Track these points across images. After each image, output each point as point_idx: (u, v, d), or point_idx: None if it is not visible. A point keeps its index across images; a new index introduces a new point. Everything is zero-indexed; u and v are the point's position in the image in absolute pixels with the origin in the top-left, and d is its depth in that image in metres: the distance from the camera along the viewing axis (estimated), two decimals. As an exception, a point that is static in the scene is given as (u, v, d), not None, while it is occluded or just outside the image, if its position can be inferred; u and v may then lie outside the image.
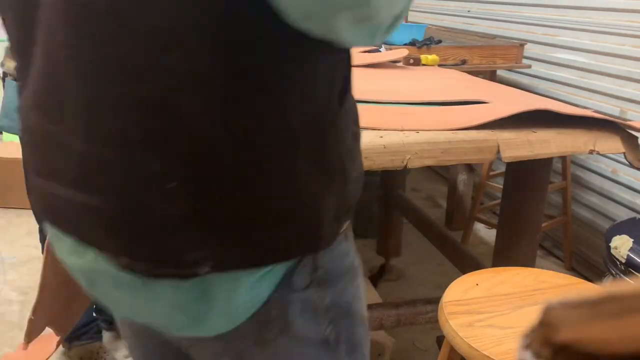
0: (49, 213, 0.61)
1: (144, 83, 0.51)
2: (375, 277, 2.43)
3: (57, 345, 1.56)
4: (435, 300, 1.08)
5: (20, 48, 0.60)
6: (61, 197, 0.57)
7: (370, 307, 1.55)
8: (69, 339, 1.83)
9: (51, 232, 0.63)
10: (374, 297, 1.92)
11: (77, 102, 0.53)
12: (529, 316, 0.95)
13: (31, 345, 1.42)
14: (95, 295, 0.66)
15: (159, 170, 0.52)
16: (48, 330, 1.49)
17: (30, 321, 1.37)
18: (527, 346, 0.31)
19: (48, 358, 1.57)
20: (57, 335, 1.52)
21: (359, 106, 0.66)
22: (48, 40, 0.54)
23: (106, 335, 1.98)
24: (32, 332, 1.40)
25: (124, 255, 0.56)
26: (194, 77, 0.50)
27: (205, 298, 0.57)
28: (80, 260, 0.61)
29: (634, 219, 1.87)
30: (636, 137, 1.39)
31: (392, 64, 1.87)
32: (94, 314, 1.91)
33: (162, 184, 0.52)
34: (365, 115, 1.37)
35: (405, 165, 1.19)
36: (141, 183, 0.53)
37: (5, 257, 2.55)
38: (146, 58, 0.50)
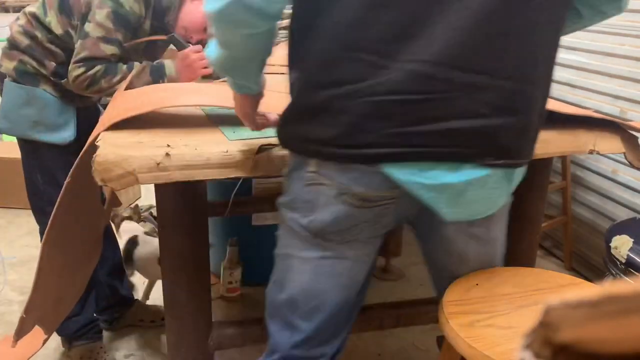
0: (435, 147, 0.84)
1: (555, 41, 0.91)
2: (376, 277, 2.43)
3: (43, 343, 1.55)
4: (436, 300, 1.08)
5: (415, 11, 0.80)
6: (464, 128, 0.83)
7: (370, 307, 1.55)
8: (69, 339, 1.83)
9: (412, 170, 0.86)
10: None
11: (508, 54, 0.83)
12: (529, 316, 0.95)
13: (18, 342, 1.42)
14: (453, 209, 0.91)
15: (540, 98, 0.90)
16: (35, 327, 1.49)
17: (22, 319, 1.37)
18: (527, 346, 0.31)
19: (33, 355, 1.57)
20: (46, 333, 1.52)
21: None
22: (467, 5, 0.79)
23: (106, 335, 1.98)
24: (22, 330, 1.40)
25: (506, 156, 0.88)
26: (557, 33, 0.90)
27: (513, 183, 0.94)
28: (457, 176, 0.86)
29: (634, 219, 1.87)
30: (636, 137, 1.39)
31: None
32: (95, 314, 1.91)
33: (541, 107, 0.91)
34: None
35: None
36: (534, 107, 0.88)
37: (5, 257, 2.54)
38: (562, 22, 0.90)
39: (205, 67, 1.55)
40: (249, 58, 0.98)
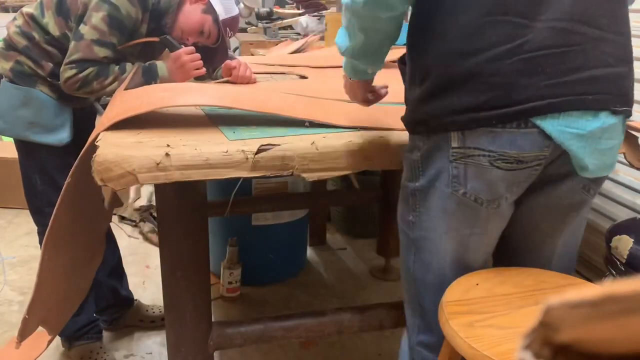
0: (566, 104, 0.92)
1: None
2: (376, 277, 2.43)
3: (48, 344, 1.55)
4: (435, 301, 1.08)
5: None
6: (600, 75, 0.93)
7: (370, 307, 1.55)
8: (69, 339, 1.83)
9: (562, 121, 0.92)
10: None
11: (613, 13, 0.95)
12: (529, 316, 0.95)
13: (22, 343, 1.42)
14: (594, 159, 0.97)
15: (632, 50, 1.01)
16: (39, 329, 1.49)
17: (25, 320, 1.37)
18: (527, 346, 0.31)
19: (38, 356, 1.57)
20: (50, 334, 1.52)
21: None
22: None
23: (106, 335, 1.98)
24: (25, 331, 1.40)
25: (626, 104, 0.97)
26: None
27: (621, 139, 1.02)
28: (597, 122, 0.94)
29: (634, 219, 1.87)
30: (636, 137, 1.39)
31: (392, 63, 1.87)
32: (95, 314, 1.91)
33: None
34: (369, 114, 1.37)
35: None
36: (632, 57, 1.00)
37: (5, 257, 2.54)
38: None
39: (198, 69, 1.55)
40: (383, 42, 1.09)
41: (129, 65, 1.50)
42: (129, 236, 2.80)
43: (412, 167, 1.07)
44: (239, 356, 1.91)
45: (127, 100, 1.29)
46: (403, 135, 1.23)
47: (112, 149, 1.04)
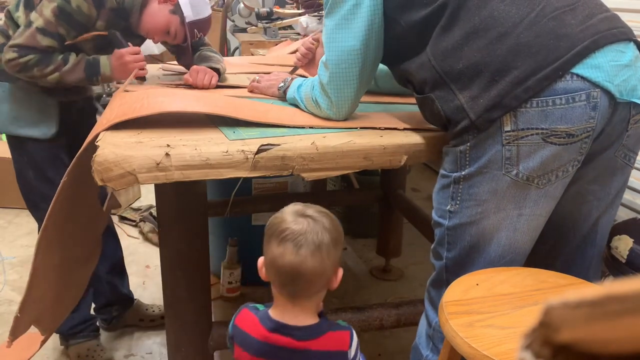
0: (603, 39, 1.03)
1: None
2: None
3: (41, 345, 1.55)
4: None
5: None
6: (608, 16, 1.07)
7: (370, 307, 1.55)
8: (66, 337, 1.83)
9: (601, 61, 1.01)
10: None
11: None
12: (529, 316, 0.95)
13: (15, 343, 1.42)
14: (619, 84, 1.03)
15: None
16: (34, 330, 1.49)
17: (16, 318, 1.36)
18: (527, 346, 0.31)
19: (31, 357, 1.57)
20: (43, 334, 1.51)
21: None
22: None
23: (106, 335, 1.98)
24: (17, 330, 1.40)
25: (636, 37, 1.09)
26: None
27: None
28: (627, 55, 1.05)
29: (634, 219, 1.87)
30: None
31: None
32: (94, 313, 1.91)
33: None
34: (368, 116, 1.37)
35: (405, 165, 1.19)
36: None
37: (5, 257, 2.54)
38: None
39: (142, 69, 1.56)
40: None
41: (72, 57, 1.50)
42: (129, 236, 2.80)
43: (458, 157, 1.10)
44: (239, 356, 1.91)
45: (126, 103, 1.29)
46: (403, 135, 1.23)
47: (112, 149, 1.04)
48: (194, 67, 1.65)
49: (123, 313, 2.01)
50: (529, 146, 1.03)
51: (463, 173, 1.09)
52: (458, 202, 1.12)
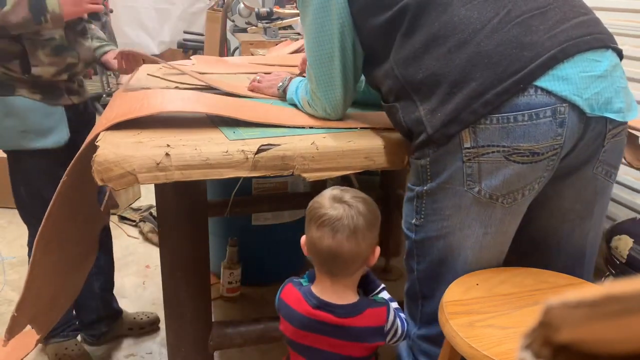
0: (574, 47, 0.95)
1: None
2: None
3: (36, 344, 1.55)
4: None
5: None
6: (583, 21, 0.98)
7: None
8: (46, 337, 1.80)
9: (575, 62, 0.95)
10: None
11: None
12: (529, 316, 0.95)
13: (11, 342, 1.42)
14: (612, 95, 0.97)
15: None
16: (28, 328, 1.49)
17: (14, 318, 1.36)
18: (527, 346, 0.31)
19: (26, 355, 1.57)
20: (38, 334, 1.51)
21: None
22: None
23: (94, 349, 1.94)
24: (13, 329, 1.40)
25: (615, 43, 1.02)
26: None
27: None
28: (603, 64, 0.97)
29: (634, 219, 1.87)
30: (637, 137, 1.39)
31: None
32: (81, 329, 1.89)
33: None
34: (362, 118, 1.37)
35: (405, 165, 1.19)
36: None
37: (5, 257, 2.54)
38: None
39: (96, 3, 1.45)
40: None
41: None
42: (129, 236, 2.80)
43: (419, 171, 1.06)
44: (239, 356, 1.91)
45: (126, 103, 1.29)
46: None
47: (112, 149, 1.04)
48: (110, 55, 1.61)
49: (112, 326, 1.97)
50: (490, 164, 0.97)
51: (425, 188, 1.06)
52: (422, 216, 1.09)
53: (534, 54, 0.93)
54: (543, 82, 0.93)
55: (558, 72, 0.93)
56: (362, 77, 1.35)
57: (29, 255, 1.67)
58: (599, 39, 0.98)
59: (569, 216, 1.13)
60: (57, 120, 1.55)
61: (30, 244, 1.69)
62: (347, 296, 1.07)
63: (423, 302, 1.15)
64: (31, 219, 1.62)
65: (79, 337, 1.91)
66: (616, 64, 1.00)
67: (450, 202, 1.03)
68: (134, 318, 2.03)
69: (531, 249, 1.17)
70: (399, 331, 1.10)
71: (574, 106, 0.94)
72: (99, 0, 1.46)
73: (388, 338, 1.09)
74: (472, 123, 0.95)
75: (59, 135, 1.55)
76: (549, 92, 0.93)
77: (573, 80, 0.93)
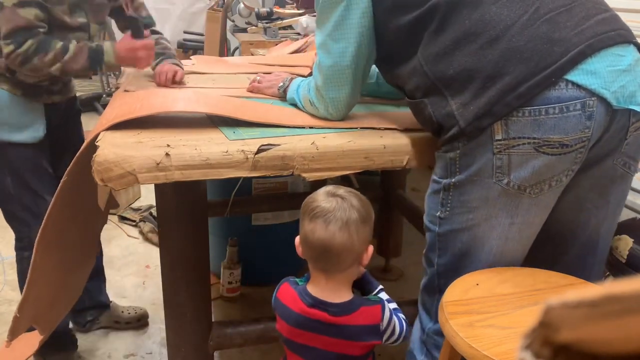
0: (600, 42, 0.99)
1: None
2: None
3: (40, 344, 1.55)
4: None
5: None
6: (605, 18, 1.03)
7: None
8: (43, 353, 1.75)
9: (595, 67, 0.98)
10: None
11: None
12: (529, 316, 0.95)
13: (14, 342, 1.42)
14: (617, 91, 0.98)
15: None
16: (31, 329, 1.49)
17: (16, 318, 1.36)
18: (527, 346, 0.31)
19: (30, 356, 1.57)
20: (41, 334, 1.51)
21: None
22: None
23: (106, 336, 1.96)
24: (16, 330, 1.40)
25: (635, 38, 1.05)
26: None
27: None
28: (627, 58, 1.00)
29: (634, 219, 1.87)
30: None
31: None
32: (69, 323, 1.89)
33: None
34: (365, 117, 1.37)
35: (405, 165, 1.19)
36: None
37: (5, 257, 2.54)
38: None
39: (148, 64, 1.53)
40: None
41: (72, 45, 1.44)
42: (129, 236, 2.80)
43: (448, 164, 1.08)
44: (239, 356, 1.91)
45: (126, 103, 1.29)
46: (404, 136, 1.23)
47: (112, 149, 1.04)
48: (159, 69, 1.64)
49: (98, 317, 2.00)
50: (521, 155, 1.00)
51: (453, 180, 1.07)
52: (448, 208, 1.10)
53: (564, 49, 0.97)
54: (573, 76, 0.97)
55: (587, 67, 0.97)
56: (376, 70, 1.37)
57: (18, 258, 1.67)
58: (622, 35, 1.02)
59: (585, 205, 1.15)
60: (34, 118, 1.56)
61: (17, 247, 1.68)
62: (341, 294, 1.07)
63: (440, 297, 1.16)
64: (18, 211, 1.60)
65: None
66: (638, 58, 1.04)
67: (478, 194, 1.05)
68: (122, 312, 2.03)
69: (545, 240, 1.17)
70: (397, 331, 1.10)
71: (601, 100, 0.97)
72: (151, 52, 1.52)
73: (385, 337, 1.09)
74: (505, 116, 0.98)
75: (35, 131, 1.56)
76: (579, 86, 0.96)
77: (601, 74, 0.97)
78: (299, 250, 1.07)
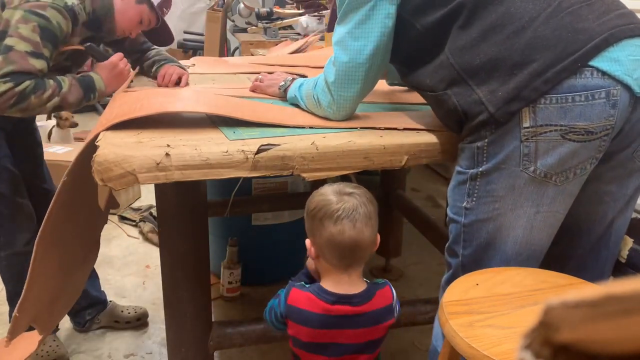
0: (621, 33, 1.02)
1: None
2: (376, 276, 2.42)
3: (39, 344, 1.55)
4: (435, 300, 1.08)
5: None
6: (625, 13, 1.06)
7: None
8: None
9: (618, 54, 1.01)
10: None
11: None
12: (529, 316, 0.95)
13: (13, 342, 1.42)
14: (638, 78, 1.02)
15: None
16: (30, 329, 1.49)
17: (15, 318, 1.37)
18: (527, 346, 0.31)
19: (29, 356, 1.57)
20: (40, 334, 1.52)
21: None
22: None
23: (106, 336, 1.96)
24: (15, 329, 1.40)
25: None
26: None
27: None
28: None
29: (634, 219, 1.87)
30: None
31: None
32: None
33: None
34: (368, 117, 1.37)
35: (404, 165, 1.19)
36: None
37: (5, 257, 2.54)
38: None
39: (130, 71, 1.57)
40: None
41: (64, 79, 1.45)
42: (129, 236, 2.80)
43: (475, 154, 1.09)
44: (239, 356, 1.91)
45: (126, 103, 1.29)
46: (403, 136, 1.23)
47: (112, 149, 1.04)
48: (163, 70, 1.66)
49: (97, 315, 2.00)
50: (547, 142, 1.03)
51: (480, 169, 1.09)
52: (475, 198, 1.11)
53: (588, 37, 1.01)
54: (598, 62, 1.00)
55: (610, 54, 1.00)
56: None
57: None
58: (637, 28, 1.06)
59: (604, 198, 1.17)
60: None
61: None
62: (359, 285, 1.10)
63: None
64: None
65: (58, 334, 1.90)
66: None
67: (505, 182, 1.07)
68: (122, 312, 2.04)
69: (561, 233, 1.17)
70: (398, 305, 1.15)
71: (624, 89, 1.00)
72: (124, 59, 1.57)
73: (395, 314, 1.13)
74: (533, 101, 1.01)
75: None
76: (603, 74, 0.99)
77: (623, 62, 1.00)
78: (312, 252, 1.08)
